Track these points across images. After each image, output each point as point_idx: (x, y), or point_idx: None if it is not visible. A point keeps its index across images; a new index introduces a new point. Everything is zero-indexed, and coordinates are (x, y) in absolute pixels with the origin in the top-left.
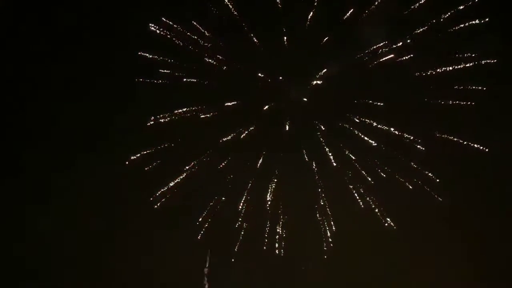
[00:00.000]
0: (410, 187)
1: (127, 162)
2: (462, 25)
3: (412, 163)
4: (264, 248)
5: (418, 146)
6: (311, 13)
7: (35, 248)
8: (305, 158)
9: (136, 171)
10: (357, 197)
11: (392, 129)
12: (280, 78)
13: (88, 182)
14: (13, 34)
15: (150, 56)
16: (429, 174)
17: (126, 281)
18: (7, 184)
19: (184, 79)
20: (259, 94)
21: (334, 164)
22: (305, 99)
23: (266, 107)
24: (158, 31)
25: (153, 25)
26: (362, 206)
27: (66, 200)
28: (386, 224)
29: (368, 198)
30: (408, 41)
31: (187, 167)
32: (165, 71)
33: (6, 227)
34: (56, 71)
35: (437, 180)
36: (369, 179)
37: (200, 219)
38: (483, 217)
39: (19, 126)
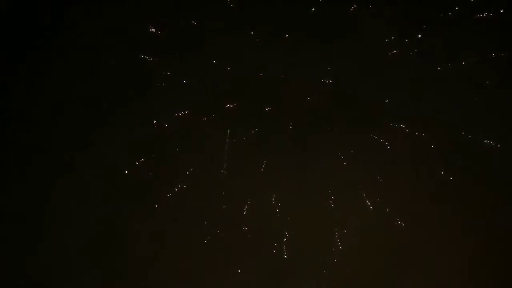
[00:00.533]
0: (421, 185)
1: (126, 171)
2: (474, 17)
3: (423, 161)
4: (274, 251)
5: (432, 146)
6: (313, 8)
7: (35, 249)
8: (311, 158)
9: (137, 175)
10: (367, 198)
11: (402, 125)
12: (282, 76)
13: (88, 188)
14: (13, 34)
15: (151, 59)
16: (442, 172)
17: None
18: (8, 184)
19: (185, 81)
20: (261, 94)
21: (344, 164)
22: (308, 98)
23: (269, 108)
24: (158, 32)
25: (152, 26)
26: (371, 208)
27: (65, 203)
28: (396, 224)
29: (378, 199)
30: (419, 36)
31: (190, 170)
32: (166, 73)
33: (7, 227)
34: (56, 73)
35: (450, 178)
36: (379, 178)
37: (205, 223)
38: (499, 215)
39: (19, 127)
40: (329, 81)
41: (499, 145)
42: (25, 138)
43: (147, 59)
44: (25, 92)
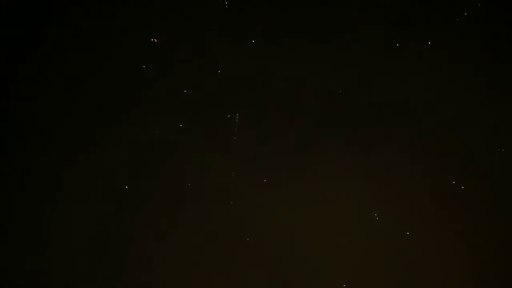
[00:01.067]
0: (425, 191)
1: (126, 187)
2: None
3: (425, 166)
4: (273, 261)
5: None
6: (314, 11)
7: (36, 249)
8: (314, 165)
9: (138, 180)
10: (371, 205)
11: (403, 132)
12: (282, 80)
13: (89, 190)
14: (13, 34)
15: (151, 68)
16: (446, 177)
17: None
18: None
19: (185, 90)
20: (263, 99)
21: (348, 169)
22: (310, 102)
23: (270, 113)
24: (159, 43)
25: (154, 37)
26: (378, 218)
27: (66, 204)
28: (405, 233)
29: (383, 206)
30: (429, 43)
31: (192, 179)
32: (167, 82)
33: (7, 227)
34: (56, 74)
35: (453, 182)
36: (383, 185)
37: (205, 231)
38: (505, 221)
39: (19, 128)
40: (331, 84)
41: (503, 150)
42: (25, 139)
43: (146, 66)
44: (25, 93)
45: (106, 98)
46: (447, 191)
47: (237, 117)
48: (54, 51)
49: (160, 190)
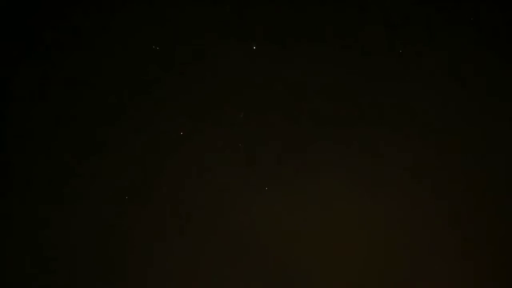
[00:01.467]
0: (426, 191)
1: (126, 197)
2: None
3: (425, 166)
4: (272, 264)
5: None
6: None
7: (36, 249)
8: (314, 165)
9: (139, 187)
10: (371, 206)
11: (403, 132)
12: (280, 82)
13: (90, 190)
14: (12, 34)
15: (152, 73)
16: (447, 177)
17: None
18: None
19: (185, 92)
20: (261, 100)
21: (345, 172)
22: (310, 103)
23: (269, 114)
24: (160, 49)
25: (155, 44)
26: (378, 223)
27: (66, 205)
28: (405, 233)
29: (383, 206)
30: (430, 43)
31: (193, 180)
32: (167, 87)
33: (8, 227)
34: (57, 75)
35: (454, 182)
36: (383, 185)
37: (205, 235)
38: (506, 221)
39: (20, 128)
40: (331, 85)
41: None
42: (25, 139)
43: (150, 74)
44: (25, 93)
45: (106, 98)
46: (448, 192)
47: (241, 118)
48: (54, 51)
49: (161, 191)
